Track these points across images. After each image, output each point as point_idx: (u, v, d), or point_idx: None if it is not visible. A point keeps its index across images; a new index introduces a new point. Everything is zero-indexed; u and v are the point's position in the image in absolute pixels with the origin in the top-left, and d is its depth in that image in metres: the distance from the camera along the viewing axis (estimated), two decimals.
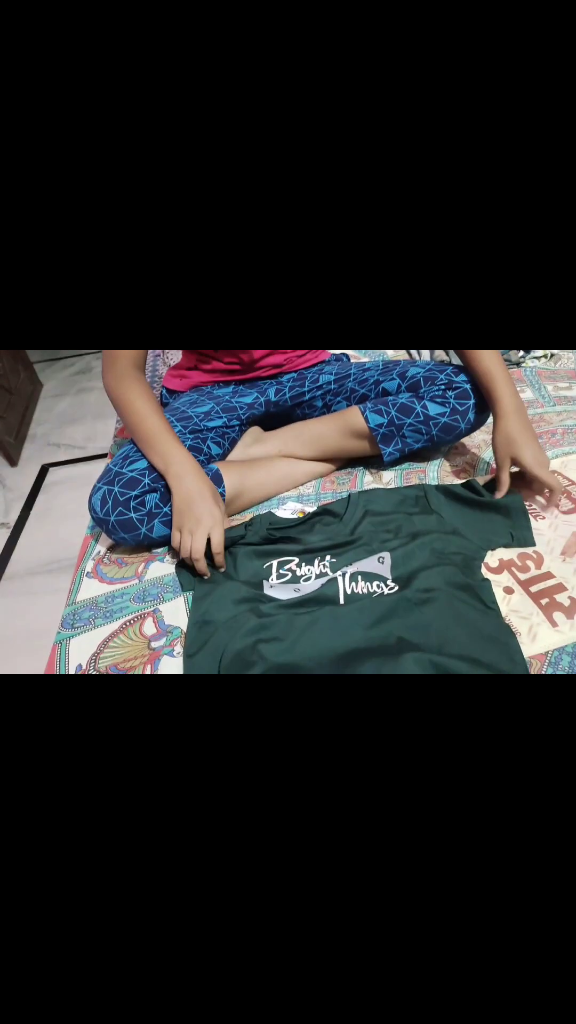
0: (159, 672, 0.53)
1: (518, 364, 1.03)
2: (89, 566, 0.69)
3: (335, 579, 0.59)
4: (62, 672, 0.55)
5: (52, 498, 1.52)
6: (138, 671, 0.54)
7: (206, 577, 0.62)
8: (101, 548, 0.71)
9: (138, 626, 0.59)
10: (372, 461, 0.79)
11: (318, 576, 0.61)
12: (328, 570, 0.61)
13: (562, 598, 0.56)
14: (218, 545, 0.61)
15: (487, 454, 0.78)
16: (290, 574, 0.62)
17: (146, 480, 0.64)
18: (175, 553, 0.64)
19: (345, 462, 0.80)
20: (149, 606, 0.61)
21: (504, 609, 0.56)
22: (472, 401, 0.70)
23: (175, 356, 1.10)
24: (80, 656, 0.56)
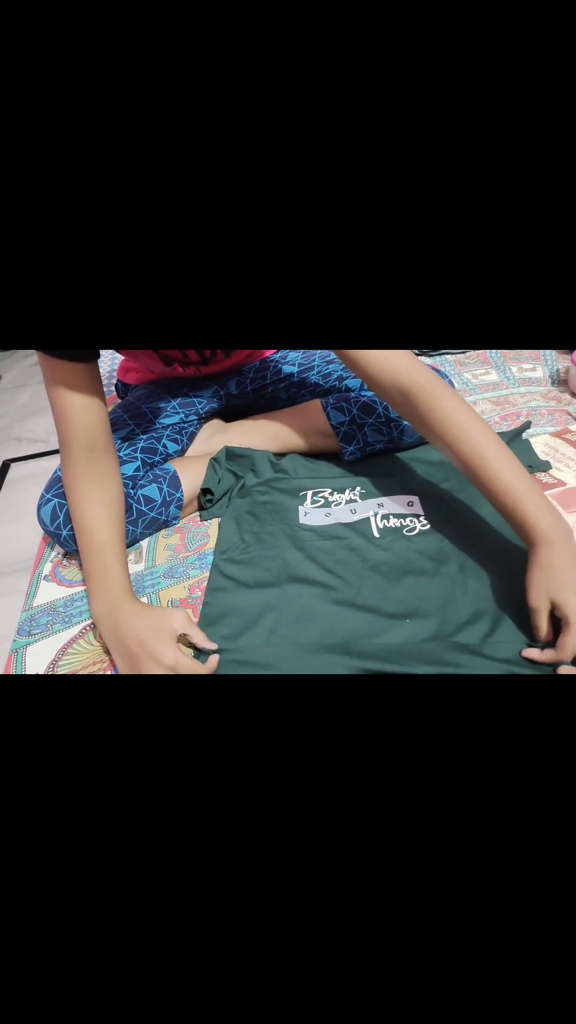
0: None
1: None
2: (47, 569, 0.66)
3: (367, 518, 0.64)
4: None
5: (14, 494, 1.47)
6: None
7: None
8: (60, 549, 0.69)
9: (97, 631, 0.57)
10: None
11: (348, 502, 0.67)
12: (358, 497, 0.68)
13: None
14: (200, 638, 0.49)
15: None
16: (322, 500, 0.68)
17: None
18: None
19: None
20: None
21: None
22: None
23: None
24: (38, 664, 0.54)
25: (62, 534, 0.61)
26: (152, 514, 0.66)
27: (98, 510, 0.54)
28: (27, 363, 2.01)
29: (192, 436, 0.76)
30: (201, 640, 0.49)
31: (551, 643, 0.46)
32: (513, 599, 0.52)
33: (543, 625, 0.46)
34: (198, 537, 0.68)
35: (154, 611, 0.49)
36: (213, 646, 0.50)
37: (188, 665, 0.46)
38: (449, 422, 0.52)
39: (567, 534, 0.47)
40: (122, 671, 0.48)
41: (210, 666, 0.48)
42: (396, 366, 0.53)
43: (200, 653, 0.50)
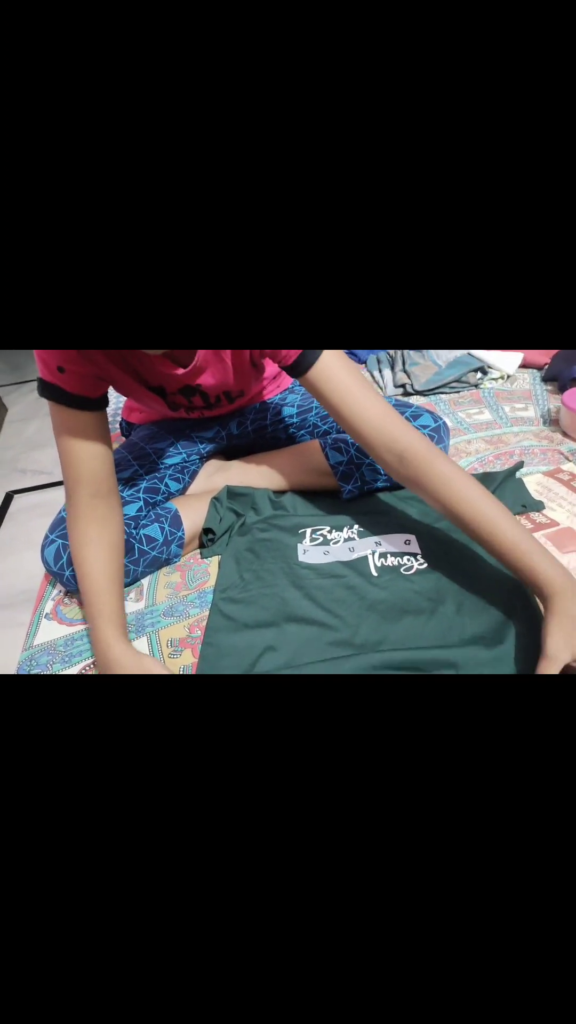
0: None
1: (476, 386, 1.06)
2: (48, 607, 0.67)
3: (365, 557, 0.66)
4: None
5: (17, 526, 1.48)
6: None
7: None
8: (61, 588, 0.69)
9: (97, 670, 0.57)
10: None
11: (346, 540, 0.68)
12: (355, 535, 0.69)
13: None
14: None
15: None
16: (321, 538, 0.70)
17: None
18: None
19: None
20: None
21: None
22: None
23: None
24: None
25: (64, 575, 0.62)
26: (154, 553, 0.67)
27: (96, 552, 0.55)
28: (35, 396, 2.06)
29: (194, 474, 0.77)
30: None
31: None
32: (509, 640, 0.53)
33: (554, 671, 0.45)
34: (198, 575, 0.69)
35: (133, 666, 0.51)
36: None
37: None
38: (446, 485, 0.53)
39: (574, 584, 0.48)
40: None
41: None
42: (390, 430, 0.54)
43: None
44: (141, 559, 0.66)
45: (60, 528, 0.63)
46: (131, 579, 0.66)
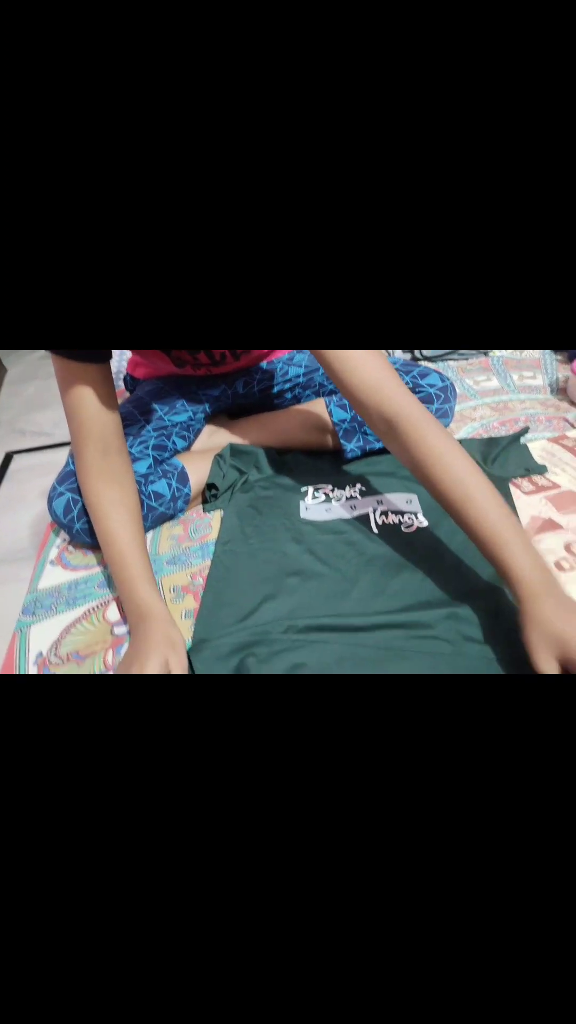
0: (120, 657, 0.53)
1: (485, 353, 1.05)
2: (53, 554, 0.68)
3: (366, 514, 0.66)
4: (22, 660, 0.54)
5: (17, 486, 1.48)
6: (99, 656, 0.53)
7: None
8: (65, 535, 0.70)
9: (101, 612, 0.58)
10: None
11: (349, 498, 0.69)
12: (358, 494, 0.69)
13: None
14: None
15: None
16: (323, 495, 0.70)
17: None
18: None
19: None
20: (115, 592, 0.61)
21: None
22: (435, 407, 0.71)
23: None
24: (41, 643, 0.56)
25: (75, 527, 0.62)
26: (161, 509, 0.67)
27: (118, 517, 0.55)
28: (34, 357, 2.03)
29: (198, 432, 0.77)
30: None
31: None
32: (505, 598, 0.53)
33: (553, 669, 0.41)
34: (201, 528, 0.70)
35: (168, 638, 0.49)
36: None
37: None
38: (434, 457, 0.49)
39: (552, 581, 0.44)
40: (119, 667, 0.49)
41: None
42: (385, 393, 0.52)
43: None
44: (149, 515, 0.66)
45: (69, 481, 0.63)
46: None
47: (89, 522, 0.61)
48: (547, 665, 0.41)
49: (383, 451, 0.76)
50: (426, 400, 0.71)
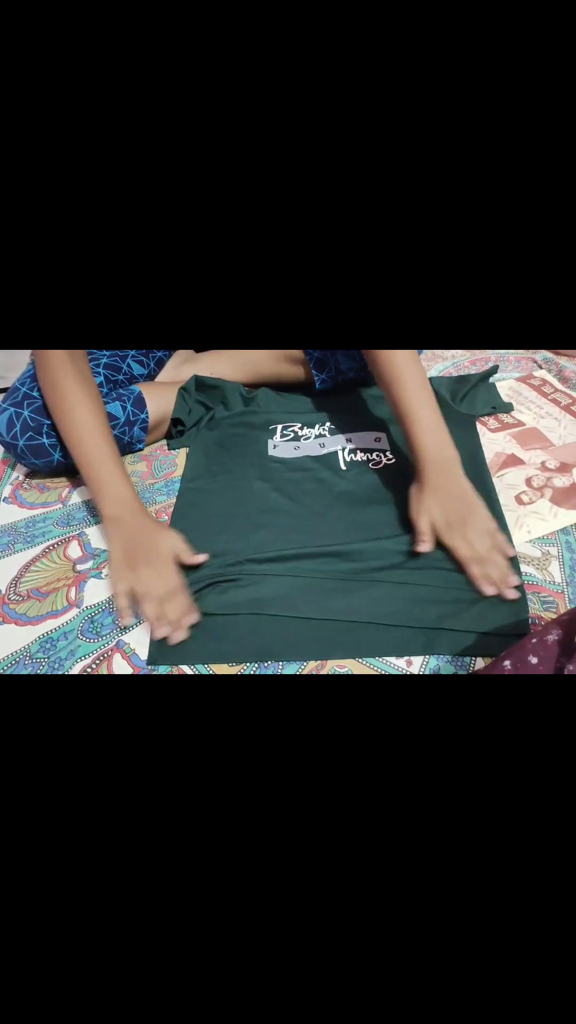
0: (84, 593, 0.52)
1: None
2: (7, 491, 0.65)
3: (335, 452, 0.66)
4: None
5: None
6: (61, 592, 0.52)
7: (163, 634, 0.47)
8: (19, 474, 0.67)
9: (62, 549, 0.57)
10: None
11: (317, 436, 0.68)
12: (327, 432, 0.69)
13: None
14: (191, 560, 0.50)
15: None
16: (292, 434, 0.69)
17: None
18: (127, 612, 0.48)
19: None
20: (74, 530, 0.59)
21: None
22: None
23: None
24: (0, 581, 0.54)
25: (19, 444, 0.59)
26: (115, 432, 0.64)
27: (91, 414, 0.54)
28: None
29: (160, 362, 0.73)
30: (191, 560, 0.51)
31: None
32: None
33: (426, 528, 0.51)
34: (165, 465, 0.67)
35: (163, 530, 0.52)
36: (203, 558, 0.52)
37: (179, 585, 0.49)
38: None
39: (449, 459, 0.52)
40: (114, 563, 0.50)
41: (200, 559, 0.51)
42: None
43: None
44: None
45: (13, 396, 0.59)
46: None
47: (34, 438, 0.59)
48: (423, 524, 0.51)
49: (354, 388, 0.74)
50: None
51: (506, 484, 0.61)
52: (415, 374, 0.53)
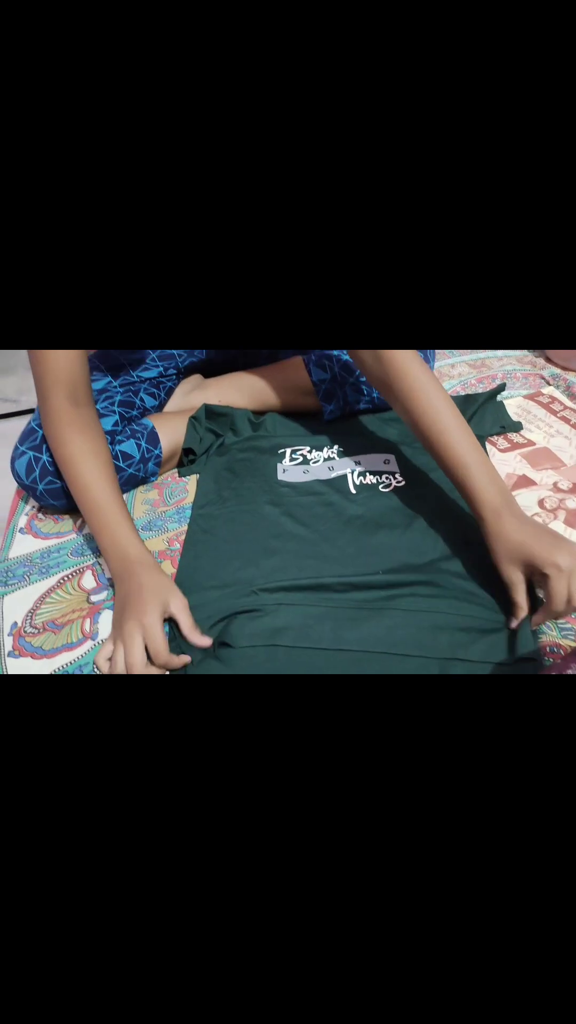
0: (98, 625, 0.53)
1: None
2: (22, 522, 0.66)
3: (344, 475, 0.66)
4: None
5: None
6: (76, 625, 0.53)
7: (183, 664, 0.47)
8: (34, 503, 0.68)
9: (76, 580, 0.57)
10: None
11: (326, 459, 0.68)
12: (335, 455, 0.69)
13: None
14: (188, 626, 0.47)
15: None
16: (301, 457, 0.69)
17: None
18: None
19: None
20: (88, 559, 0.59)
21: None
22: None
23: None
24: (15, 614, 0.54)
25: (38, 488, 0.60)
26: (131, 471, 0.65)
27: (94, 466, 0.53)
28: None
29: (170, 391, 0.74)
30: (188, 628, 0.48)
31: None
32: (479, 547, 0.54)
33: (522, 599, 0.46)
34: (176, 492, 0.68)
35: (161, 583, 0.49)
36: (199, 639, 0.48)
37: (158, 640, 0.46)
38: (415, 391, 0.52)
39: (511, 500, 0.49)
40: (113, 618, 0.49)
41: (177, 662, 0.46)
42: None
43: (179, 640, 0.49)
44: (118, 475, 0.64)
45: (31, 439, 0.60)
46: None
47: (53, 482, 0.59)
48: (513, 574, 0.46)
49: (361, 412, 0.74)
50: None
51: (519, 506, 0.60)
52: (458, 422, 0.51)
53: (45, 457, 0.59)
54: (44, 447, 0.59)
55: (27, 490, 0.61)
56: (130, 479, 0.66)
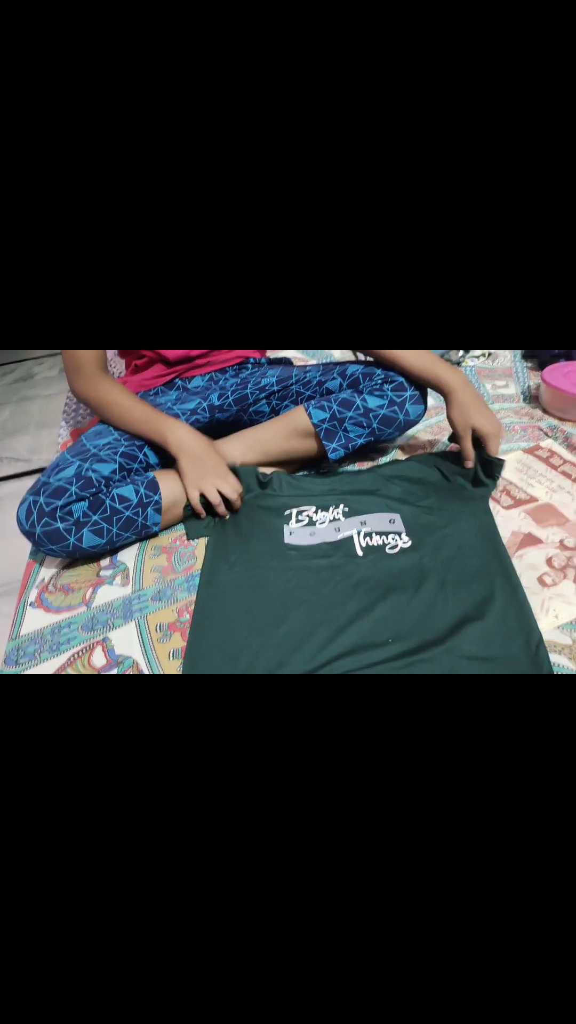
0: None
1: (458, 363, 1.06)
2: (33, 595, 0.66)
3: (350, 537, 0.68)
4: None
5: None
6: None
7: (225, 517, 0.71)
8: (45, 575, 0.68)
9: (87, 658, 0.57)
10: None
11: (332, 520, 0.71)
12: (341, 516, 0.71)
13: None
14: (234, 490, 0.70)
15: (439, 447, 0.80)
16: (307, 519, 0.72)
17: (72, 489, 0.62)
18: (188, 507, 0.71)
19: (294, 467, 0.80)
20: (98, 635, 0.60)
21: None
22: (408, 393, 0.73)
23: (116, 367, 1.06)
24: None
25: (36, 531, 0.61)
26: (128, 513, 0.65)
27: (126, 394, 0.71)
28: (6, 381, 1.98)
29: None
30: (234, 490, 0.71)
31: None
32: (492, 610, 0.54)
33: (469, 448, 0.71)
34: (185, 558, 0.69)
35: (218, 448, 0.74)
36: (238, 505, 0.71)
37: (234, 480, 0.71)
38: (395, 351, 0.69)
39: (467, 382, 0.71)
40: (187, 475, 0.70)
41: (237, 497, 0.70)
42: None
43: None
44: (114, 517, 0.64)
45: (34, 487, 0.63)
46: (106, 541, 0.65)
47: (49, 525, 0.61)
48: (464, 432, 0.70)
49: (365, 449, 0.76)
50: (399, 388, 0.74)
51: (527, 565, 0.60)
52: (421, 352, 0.71)
53: (42, 499, 0.61)
54: (42, 491, 0.61)
55: (28, 537, 0.63)
56: (128, 523, 0.66)
